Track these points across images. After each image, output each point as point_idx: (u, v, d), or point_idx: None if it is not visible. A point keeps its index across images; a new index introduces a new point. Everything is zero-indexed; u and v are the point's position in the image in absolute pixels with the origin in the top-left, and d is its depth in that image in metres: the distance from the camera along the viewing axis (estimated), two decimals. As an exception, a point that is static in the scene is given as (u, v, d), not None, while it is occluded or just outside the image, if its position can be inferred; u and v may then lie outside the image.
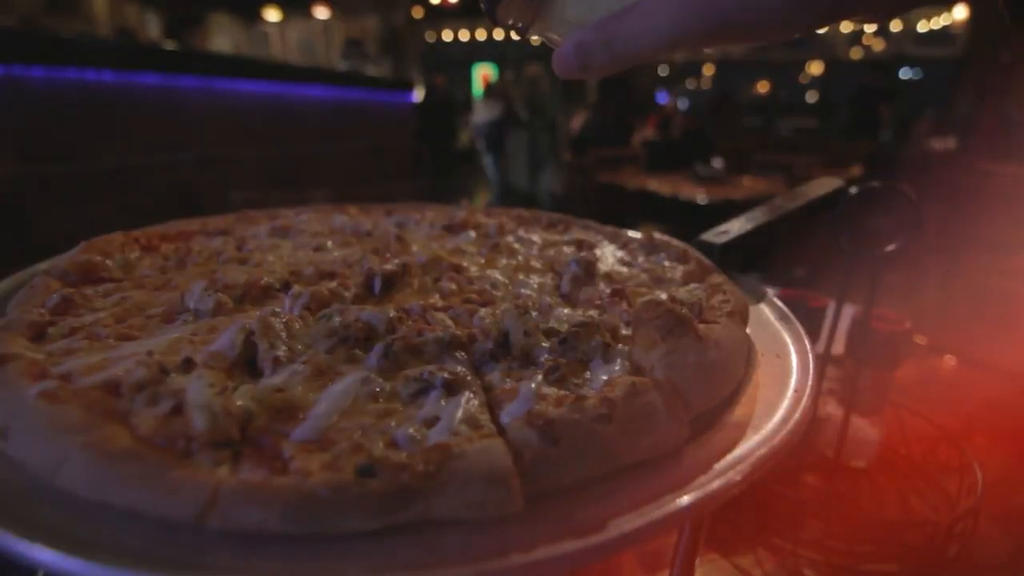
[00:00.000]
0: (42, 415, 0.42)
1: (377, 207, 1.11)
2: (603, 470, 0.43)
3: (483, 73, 15.79)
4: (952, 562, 0.84)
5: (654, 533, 0.39)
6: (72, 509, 0.38)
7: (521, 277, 0.77)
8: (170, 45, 4.82)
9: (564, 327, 0.58)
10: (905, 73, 13.50)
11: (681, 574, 0.61)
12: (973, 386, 1.41)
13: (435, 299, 0.69)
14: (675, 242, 0.86)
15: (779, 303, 0.74)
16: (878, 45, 14.16)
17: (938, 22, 12.79)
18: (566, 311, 0.65)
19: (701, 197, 4.42)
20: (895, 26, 13.62)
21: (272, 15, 12.00)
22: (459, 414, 0.45)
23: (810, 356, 0.61)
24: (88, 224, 0.84)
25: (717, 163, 5.51)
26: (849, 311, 1.06)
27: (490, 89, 9.41)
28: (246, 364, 0.52)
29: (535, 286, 0.74)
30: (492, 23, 0.51)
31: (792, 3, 0.39)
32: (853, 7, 0.41)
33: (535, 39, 0.53)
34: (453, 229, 0.99)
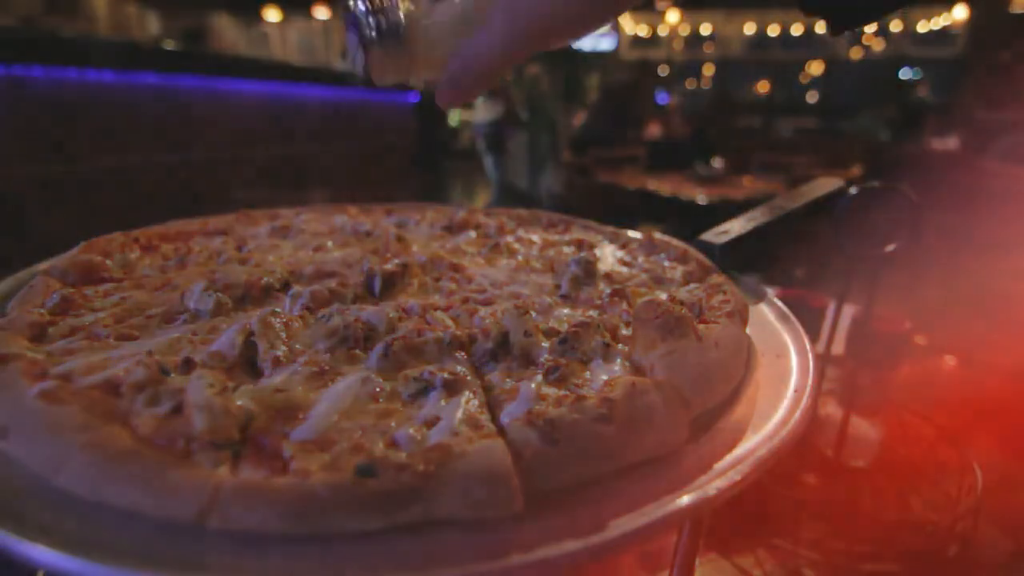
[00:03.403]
0: (42, 415, 0.42)
1: (377, 207, 1.11)
2: (603, 470, 0.43)
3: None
4: (952, 562, 0.84)
5: (654, 533, 0.39)
6: (72, 509, 0.38)
7: (521, 277, 0.77)
8: (170, 45, 4.82)
9: (564, 327, 0.58)
10: (905, 73, 13.50)
11: (681, 574, 0.61)
12: (973, 386, 1.41)
13: (435, 299, 0.69)
14: (675, 242, 0.86)
15: (779, 303, 0.74)
16: (878, 45, 14.16)
17: (938, 22, 12.79)
18: (566, 311, 0.65)
19: (701, 197, 4.42)
20: (895, 26, 13.63)
21: (272, 15, 12.00)
22: (459, 414, 0.45)
23: (810, 356, 0.61)
24: (88, 224, 0.84)
25: (717, 163, 5.50)
26: (849, 311, 1.06)
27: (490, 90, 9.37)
28: (246, 364, 0.52)
29: (535, 286, 0.74)
30: (376, 87, 0.62)
31: (579, 10, 0.52)
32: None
33: (416, 84, 0.64)
34: (453, 229, 0.99)
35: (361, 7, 0.58)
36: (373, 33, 0.58)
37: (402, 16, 0.58)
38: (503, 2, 0.53)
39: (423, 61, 0.60)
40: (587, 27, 0.54)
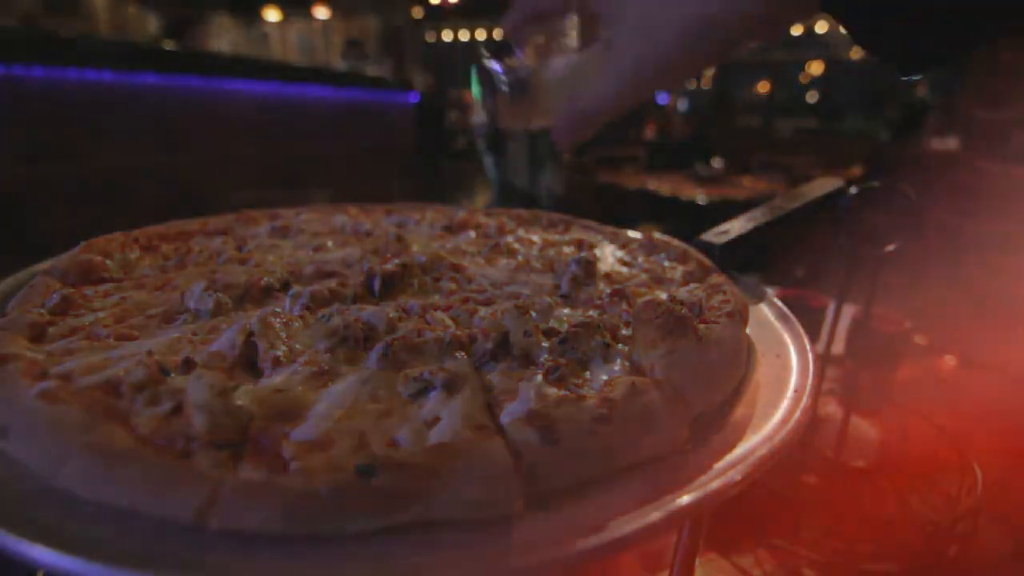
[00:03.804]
0: (42, 415, 0.42)
1: (377, 207, 1.11)
2: (603, 470, 0.43)
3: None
4: (952, 562, 0.84)
5: (654, 533, 0.39)
6: (72, 509, 0.37)
7: (521, 277, 0.77)
8: (170, 45, 4.82)
9: (564, 327, 0.58)
10: (905, 73, 13.47)
11: (681, 574, 0.61)
12: (973, 386, 1.41)
13: (435, 299, 0.69)
14: (675, 242, 0.86)
15: (779, 303, 0.74)
16: (878, 45, 14.13)
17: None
18: (566, 311, 0.65)
19: (701, 197, 4.42)
20: (895, 26, 13.57)
21: (272, 15, 12.00)
22: (459, 414, 0.45)
23: (810, 356, 0.61)
24: (88, 224, 0.84)
25: (717, 163, 5.51)
26: (849, 311, 1.06)
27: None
28: (246, 364, 0.52)
29: (535, 286, 0.74)
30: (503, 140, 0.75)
31: (678, 66, 0.59)
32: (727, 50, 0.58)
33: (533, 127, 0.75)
34: (453, 229, 0.99)
35: (496, 67, 0.69)
36: (505, 88, 0.69)
37: (528, 73, 0.68)
38: (613, 62, 0.61)
39: (541, 108, 0.70)
40: (685, 78, 0.63)
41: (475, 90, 0.72)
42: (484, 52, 0.69)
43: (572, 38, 0.68)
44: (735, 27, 0.55)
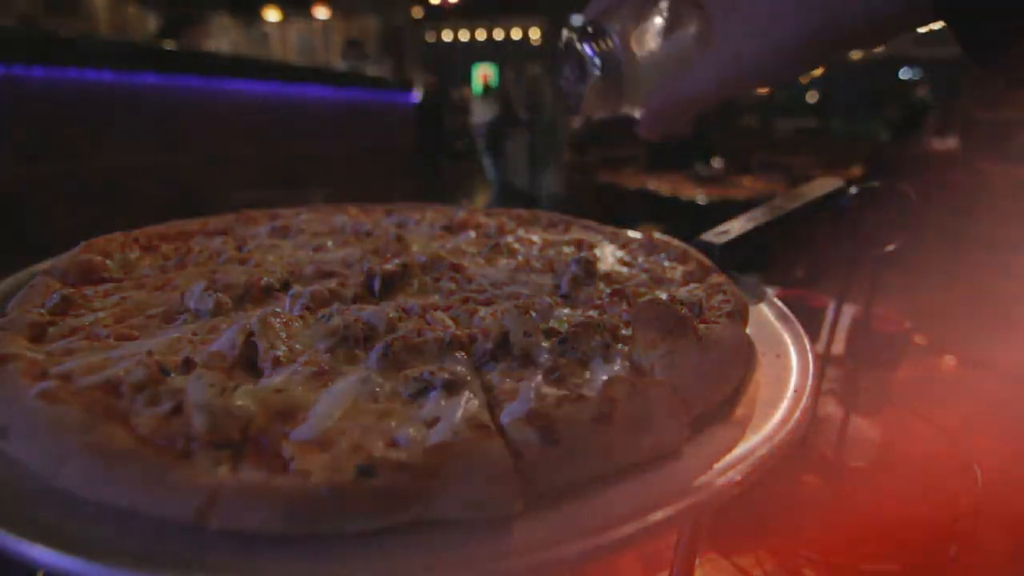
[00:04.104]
0: (42, 415, 0.42)
1: (377, 207, 1.11)
2: (603, 470, 0.43)
3: (483, 73, 15.79)
4: (952, 562, 0.84)
5: (654, 533, 0.39)
6: (72, 509, 0.37)
7: (521, 277, 0.77)
8: (170, 45, 4.82)
9: (564, 327, 0.58)
10: (905, 73, 13.50)
11: (681, 574, 0.61)
12: (973, 386, 1.41)
13: (435, 299, 0.69)
14: (675, 242, 0.86)
15: (779, 303, 0.74)
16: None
17: (938, 22, 12.77)
18: (566, 311, 0.65)
19: (701, 197, 4.42)
20: (895, 26, 13.59)
21: (272, 15, 12.00)
22: (459, 414, 0.45)
23: (810, 356, 0.61)
24: (88, 224, 0.84)
25: (717, 163, 5.51)
26: (849, 311, 1.06)
27: (487, 90, 9.42)
28: (246, 364, 0.52)
29: (535, 286, 0.74)
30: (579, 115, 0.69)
31: (788, 62, 0.55)
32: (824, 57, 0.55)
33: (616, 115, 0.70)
34: (453, 229, 0.99)
35: (588, 49, 0.63)
36: (596, 72, 0.63)
37: (623, 57, 0.63)
38: (718, 53, 0.57)
39: (632, 96, 0.65)
40: (787, 79, 0.58)
41: (563, 74, 0.67)
42: (574, 35, 0.64)
43: (665, 22, 0.63)
44: (858, 29, 0.51)
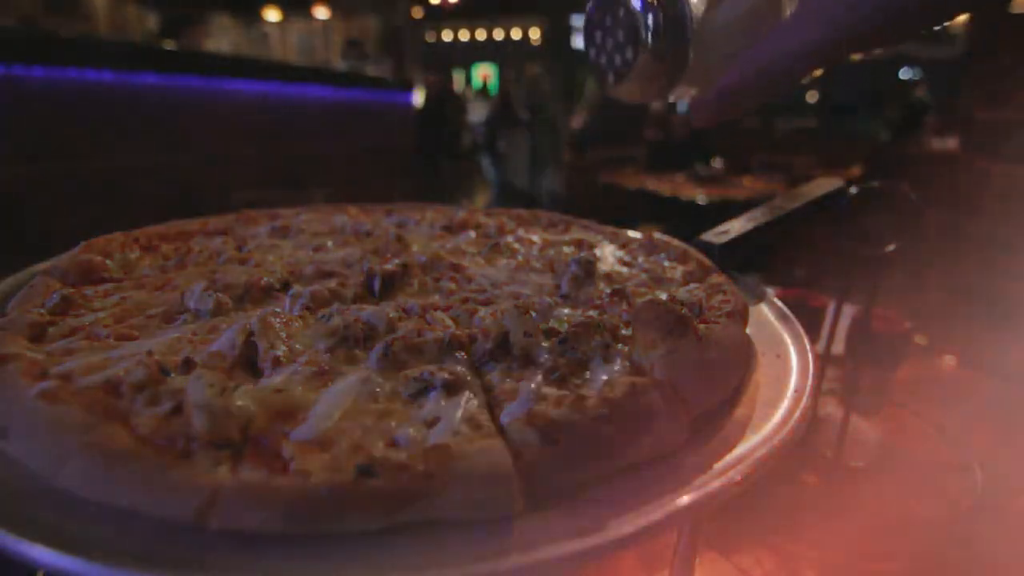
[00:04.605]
0: (42, 415, 0.42)
1: (377, 207, 1.11)
2: (603, 470, 0.43)
3: (483, 73, 15.80)
4: (952, 562, 0.84)
5: (654, 533, 0.39)
6: (72, 509, 0.38)
7: (521, 277, 0.77)
8: (170, 45, 4.82)
9: (564, 327, 0.58)
10: (905, 73, 13.51)
11: (681, 574, 0.61)
12: (973, 386, 1.41)
13: (435, 299, 0.69)
14: (675, 242, 0.86)
15: (779, 303, 0.74)
16: (878, 45, 14.14)
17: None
18: (566, 311, 0.65)
19: (701, 197, 4.42)
20: (895, 26, 13.60)
21: (272, 15, 12.01)
22: (459, 414, 0.45)
23: (810, 356, 0.61)
24: (88, 224, 0.84)
25: (717, 163, 5.51)
26: (849, 311, 1.06)
27: (484, 90, 9.45)
28: (246, 364, 0.52)
29: (535, 286, 0.74)
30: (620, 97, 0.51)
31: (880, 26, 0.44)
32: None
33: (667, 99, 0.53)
34: (453, 229, 0.99)
35: (641, 6, 0.46)
36: (649, 34, 0.46)
37: (690, 13, 0.45)
38: (813, 7, 0.45)
39: (695, 69, 0.48)
40: (881, 45, 0.47)
41: (595, 38, 0.50)
42: None
43: None
44: None
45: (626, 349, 0.57)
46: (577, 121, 7.40)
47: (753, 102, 0.49)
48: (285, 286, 0.70)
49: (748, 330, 0.63)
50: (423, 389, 0.48)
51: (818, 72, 0.49)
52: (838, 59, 0.47)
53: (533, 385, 0.49)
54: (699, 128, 0.53)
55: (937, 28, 0.48)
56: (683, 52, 0.47)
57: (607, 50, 0.49)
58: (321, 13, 12.25)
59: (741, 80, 0.48)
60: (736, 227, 0.85)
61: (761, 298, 0.76)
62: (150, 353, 0.50)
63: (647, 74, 0.48)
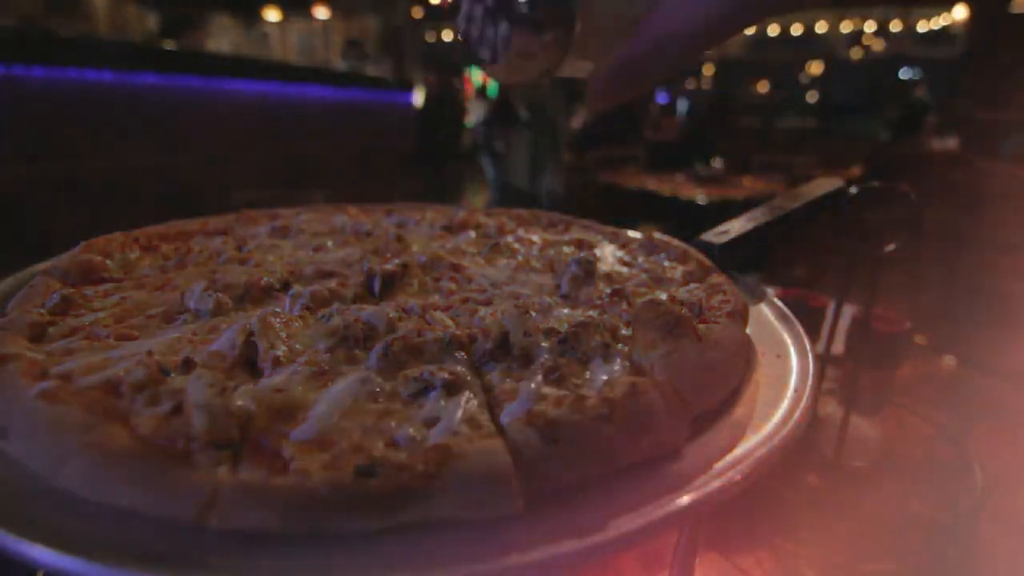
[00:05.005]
0: (42, 415, 0.42)
1: (377, 207, 1.11)
2: (603, 470, 0.43)
3: (483, 73, 15.78)
4: (952, 562, 0.84)
5: (654, 533, 0.39)
6: (72, 509, 0.38)
7: (521, 277, 0.77)
8: (170, 45, 4.82)
9: (564, 327, 0.58)
10: (905, 73, 13.51)
11: (681, 574, 0.61)
12: (973, 386, 1.41)
13: (435, 299, 0.69)
14: (675, 242, 0.86)
15: (779, 303, 0.74)
16: (878, 45, 14.17)
17: (938, 22, 12.80)
18: (566, 311, 0.65)
19: (701, 197, 4.42)
20: (895, 26, 13.63)
21: (272, 15, 12.00)
22: (459, 414, 0.45)
23: (810, 356, 0.61)
24: (88, 224, 0.84)
25: (717, 163, 5.51)
26: (849, 311, 1.06)
27: (480, 91, 9.47)
28: (246, 364, 0.52)
29: (535, 286, 0.74)
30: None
31: None
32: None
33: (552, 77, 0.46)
34: (453, 229, 0.99)
35: None
36: (527, 10, 0.39)
37: None
38: None
39: (580, 46, 0.41)
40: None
41: (467, 16, 0.43)
42: None
43: None
44: None
45: (626, 349, 0.56)
46: (577, 121, 7.39)
47: (654, 77, 0.45)
48: (285, 286, 0.70)
49: (748, 330, 0.63)
50: (423, 389, 0.48)
51: (719, 42, 0.44)
52: (744, 23, 0.43)
53: (533, 385, 0.49)
54: (597, 110, 0.46)
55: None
56: (566, 20, 0.40)
57: (477, 25, 0.42)
58: (321, 13, 12.25)
59: (641, 51, 0.43)
60: (736, 227, 0.85)
61: (761, 298, 0.76)
62: (150, 353, 0.50)
63: (527, 52, 0.41)
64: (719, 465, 0.45)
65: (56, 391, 0.44)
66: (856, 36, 14.28)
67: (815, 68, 15.06)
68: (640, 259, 0.85)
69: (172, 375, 0.48)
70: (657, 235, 0.91)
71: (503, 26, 0.40)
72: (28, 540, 0.35)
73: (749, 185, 4.87)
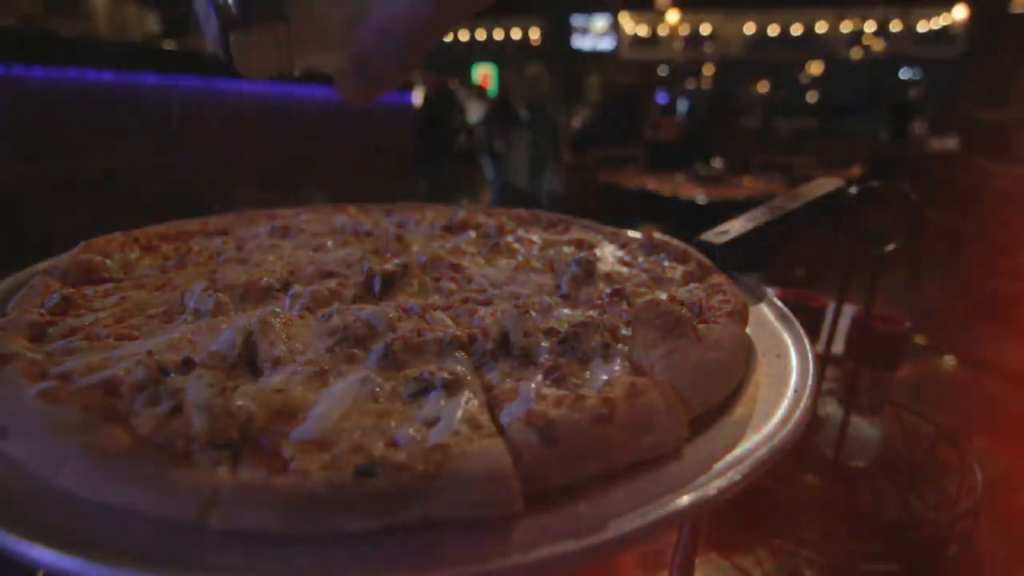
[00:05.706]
0: (42, 415, 0.42)
1: (377, 207, 1.11)
2: (603, 470, 0.43)
3: (483, 73, 15.80)
4: (952, 562, 0.84)
5: (654, 533, 0.39)
6: (72, 509, 0.38)
7: (521, 277, 0.77)
8: (170, 45, 4.82)
9: (564, 327, 0.58)
10: (905, 73, 13.51)
11: (681, 574, 0.61)
12: (973, 386, 1.41)
13: (435, 299, 0.69)
14: (675, 242, 0.86)
15: (779, 303, 0.74)
16: (878, 45, 14.18)
17: (938, 22, 12.81)
18: (566, 311, 0.65)
19: (701, 197, 4.43)
20: (895, 26, 13.64)
21: (272, 15, 11.99)
22: (459, 414, 0.45)
23: (810, 356, 0.61)
24: (88, 224, 0.84)
25: (717, 163, 5.52)
26: (849, 311, 1.06)
27: (478, 91, 9.48)
28: (246, 364, 0.52)
29: (535, 286, 0.74)
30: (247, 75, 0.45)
31: None
32: None
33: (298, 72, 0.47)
34: (453, 229, 0.99)
35: None
36: (232, 5, 0.39)
37: None
38: None
39: (311, 40, 0.43)
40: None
41: (201, 17, 0.44)
42: None
43: None
44: None
45: (626, 349, 0.57)
46: (577, 121, 7.39)
47: (393, 70, 0.45)
48: (285, 286, 0.70)
49: (748, 330, 0.63)
50: (423, 389, 0.48)
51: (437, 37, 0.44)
52: (459, 18, 0.44)
53: (533, 385, 0.49)
54: (351, 104, 0.47)
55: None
56: (276, 25, 0.40)
57: (212, 30, 0.42)
58: (321, 13, 12.25)
59: (373, 45, 0.42)
60: (736, 227, 0.85)
61: (761, 298, 0.76)
62: (150, 353, 0.50)
63: (247, 50, 0.41)
64: (719, 465, 0.45)
65: (56, 391, 0.44)
66: (856, 36, 14.29)
67: (815, 68, 15.07)
68: (640, 259, 0.85)
69: (172, 375, 0.48)
70: (657, 235, 0.91)
71: (219, 25, 0.41)
72: (28, 540, 0.35)
73: (749, 185, 4.88)
